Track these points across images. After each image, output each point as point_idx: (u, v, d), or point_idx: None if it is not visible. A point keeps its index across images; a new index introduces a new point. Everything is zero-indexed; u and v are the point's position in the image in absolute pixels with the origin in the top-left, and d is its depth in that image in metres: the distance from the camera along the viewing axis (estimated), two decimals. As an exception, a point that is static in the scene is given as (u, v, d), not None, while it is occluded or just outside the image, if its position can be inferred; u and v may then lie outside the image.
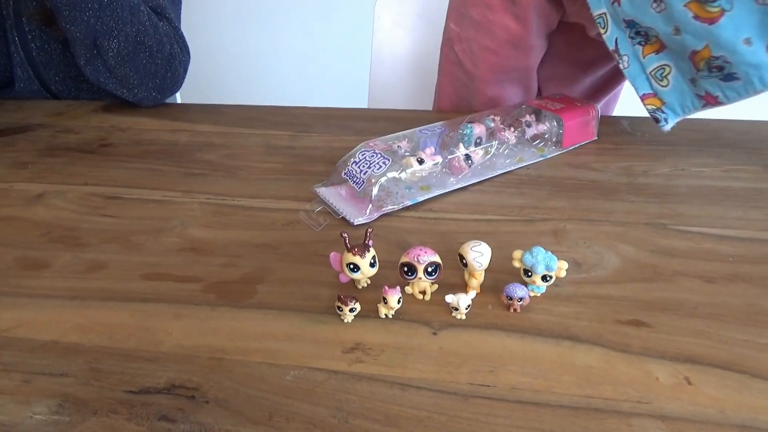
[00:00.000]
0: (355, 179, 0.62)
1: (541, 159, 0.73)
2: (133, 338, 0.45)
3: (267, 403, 0.39)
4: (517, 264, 0.48)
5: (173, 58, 0.95)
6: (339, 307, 0.46)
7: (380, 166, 0.61)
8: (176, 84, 0.98)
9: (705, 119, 0.83)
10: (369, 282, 0.51)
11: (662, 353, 0.42)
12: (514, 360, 0.42)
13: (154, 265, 0.54)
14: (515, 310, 0.47)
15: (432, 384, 0.40)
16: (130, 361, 0.43)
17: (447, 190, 0.65)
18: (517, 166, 0.71)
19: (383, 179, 0.61)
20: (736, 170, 0.69)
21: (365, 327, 0.46)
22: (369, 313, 0.47)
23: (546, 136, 0.74)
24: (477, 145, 0.69)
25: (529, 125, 0.74)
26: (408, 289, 0.49)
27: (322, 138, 0.81)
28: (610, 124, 0.82)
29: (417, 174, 0.64)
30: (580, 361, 0.42)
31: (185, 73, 1.00)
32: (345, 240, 0.48)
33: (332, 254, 0.50)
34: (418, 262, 0.47)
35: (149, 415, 0.38)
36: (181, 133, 0.86)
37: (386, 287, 0.46)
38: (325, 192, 0.65)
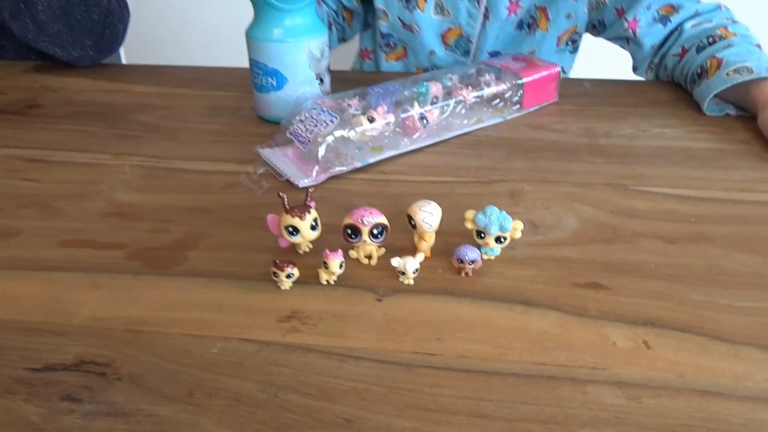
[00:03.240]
0: (300, 138, 0.57)
1: (501, 120, 0.69)
2: (42, 310, 0.40)
3: (188, 379, 0.35)
4: (469, 225, 0.45)
5: (111, 14, 0.88)
6: (275, 273, 0.42)
7: (327, 124, 0.57)
8: (115, 42, 0.91)
9: (665, 81, 0.81)
10: (311, 247, 0.47)
11: (620, 317, 0.39)
12: (464, 326, 0.39)
13: (73, 232, 0.49)
14: (467, 273, 0.44)
15: (373, 354, 0.37)
16: (35, 336, 0.38)
17: (400, 152, 0.61)
18: (475, 127, 0.67)
19: (330, 138, 0.56)
20: (698, 131, 0.66)
21: (304, 294, 0.42)
22: (309, 280, 0.43)
23: (506, 96, 0.70)
24: (433, 104, 0.65)
25: (488, 84, 0.70)
26: (353, 254, 0.46)
27: (271, 99, 0.76)
28: (571, 86, 0.79)
29: (368, 134, 0.59)
30: (534, 326, 0.39)
31: (125, 32, 0.93)
32: (283, 200, 0.44)
33: (270, 216, 0.45)
34: (363, 223, 0.43)
35: (51, 395, 0.34)
36: (117, 94, 0.80)
37: (327, 251, 0.42)
38: (269, 153, 0.60)
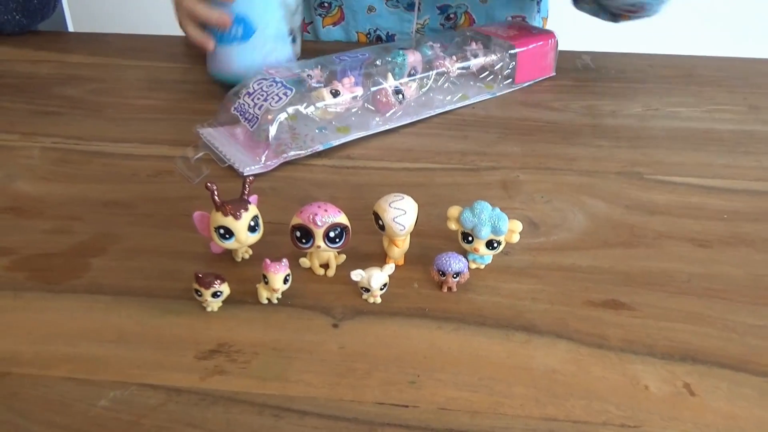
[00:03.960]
0: (247, 116, 0.47)
1: (490, 97, 0.59)
2: None
3: (57, 449, 0.25)
4: (453, 226, 0.35)
5: (39, -27, 0.76)
6: (197, 291, 0.32)
7: (280, 98, 0.46)
8: (47, 6, 0.79)
9: (674, 55, 0.72)
10: (250, 253, 0.37)
11: (650, 348, 0.30)
12: (446, 364, 0.29)
13: (-53, 233, 0.38)
14: (450, 289, 0.34)
15: (323, 406, 0.27)
16: None
17: (370, 132, 0.51)
18: (460, 105, 0.57)
19: (283, 115, 0.46)
20: (718, 110, 0.57)
21: (236, 318, 0.32)
22: (245, 297, 0.33)
23: (496, 69, 0.60)
24: (410, 76, 0.55)
25: (475, 55, 0.60)
26: (304, 262, 0.36)
27: (223, 71, 0.65)
28: (568, 59, 0.69)
29: (331, 110, 0.49)
30: (539, 363, 0.29)
31: (59, -6, 0.81)
32: (212, 193, 0.33)
33: (196, 213, 0.35)
34: (316, 224, 0.33)
35: None
36: (44, 64, 0.68)
37: (267, 261, 0.32)
38: (212, 134, 0.50)
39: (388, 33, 0.76)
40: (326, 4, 0.77)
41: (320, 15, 0.78)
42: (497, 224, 0.34)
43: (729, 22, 1.45)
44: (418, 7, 0.74)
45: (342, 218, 0.34)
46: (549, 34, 0.64)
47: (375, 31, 0.76)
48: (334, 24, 0.78)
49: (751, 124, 0.55)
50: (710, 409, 0.27)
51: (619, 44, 0.78)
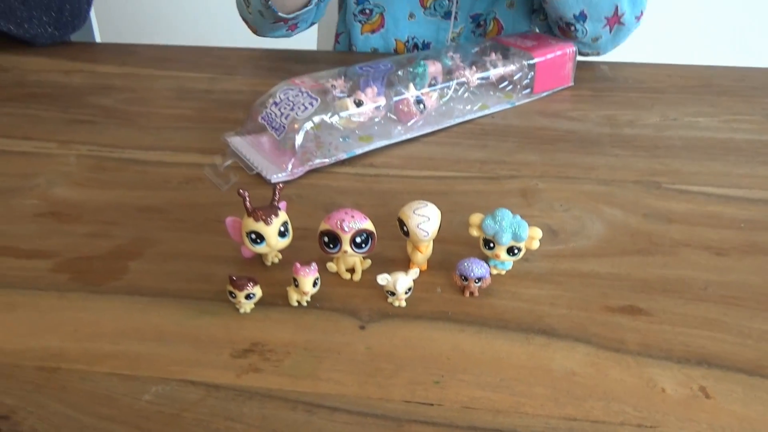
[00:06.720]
0: (274, 124, 0.49)
1: (509, 106, 0.60)
2: (-66, 340, 0.32)
3: (106, 439, 0.27)
4: (475, 232, 0.36)
5: (71, -15, 0.78)
6: (231, 293, 0.33)
7: (306, 108, 0.48)
8: (78, 18, 0.82)
9: (692, 65, 0.72)
10: (280, 257, 0.38)
11: (668, 353, 0.31)
12: (469, 365, 0.30)
13: (-6, 236, 0.41)
14: (472, 293, 0.35)
15: (352, 403, 0.28)
16: None
17: (392, 141, 0.53)
18: (480, 114, 0.58)
19: (309, 124, 0.48)
20: (736, 120, 0.58)
21: (268, 320, 0.34)
22: (276, 300, 0.35)
23: (515, 79, 0.62)
24: (431, 86, 0.56)
25: (494, 65, 0.61)
26: (331, 267, 0.37)
27: (248, 81, 0.67)
28: (586, 69, 0.70)
29: (354, 119, 0.51)
30: (559, 365, 0.30)
31: (90, 5, 0.83)
32: (245, 200, 0.35)
33: (229, 219, 0.37)
34: (343, 229, 0.35)
35: None
36: (77, 74, 0.71)
37: (298, 265, 0.34)
38: (239, 142, 0.52)
39: (424, 41, 0.78)
40: (368, 11, 0.80)
41: (360, 21, 0.80)
42: (518, 231, 0.35)
43: (747, 32, 1.45)
44: (455, 17, 0.76)
45: (368, 224, 0.35)
46: (567, 44, 0.65)
47: (413, 39, 0.79)
48: (373, 31, 0.81)
49: (769, 133, 0.55)
50: (725, 411, 0.28)
51: (638, 54, 0.79)
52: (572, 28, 0.66)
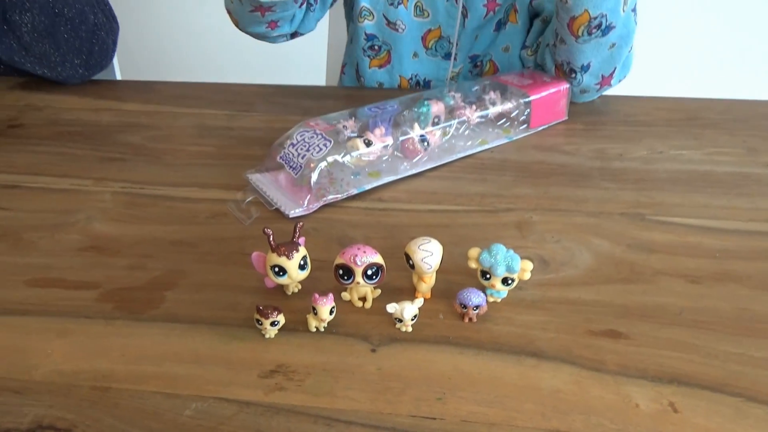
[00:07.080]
0: (291, 164, 0.54)
1: (507, 141, 0.65)
2: (1, 363, 0.36)
3: (155, 449, 0.31)
4: (473, 264, 0.41)
5: (99, 29, 0.84)
6: (258, 321, 0.38)
7: (320, 149, 0.53)
8: (106, 58, 0.88)
9: (681, 98, 0.77)
10: (299, 287, 0.43)
11: (642, 372, 0.35)
12: (467, 383, 0.35)
13: (44, 269, 0.45)
14: (470, 319, 0.40)
15: (366, 417, 0.33)
16: (-10, 395, 0.34)
17: (399, 177, 0.57)
18: (479, 149, 0.63)
19: (323, 164, 0.52)
20: (718, 153, 0.62)
21: (290, 344, 0.38)
22: (297, 326, 0.39)
23: (512, 116, 0.66)
24: (435, 125, 0.61)
25: (493, 103, 0.66)
26: (345, 296, 0.42)
27: (264, 118, 0.73)
28: (580, 103, 0.75)
29: (364, 158, 0.55)
30: (546, 383, 0.35)
31: (115, 45, 0.89)
32: (269, 237, 0.40)
33: (254, 254, 0.42)
34: (356, 263, 0.39)
35: (-1, 470, 0.30)
36: (105, 112, 0.76)
37: (316, 295, 0.38)
38: (259, 179, 0.56)
39: (425, 78, 0.84)
40: (377, 47, 0.85)
41: (368, 56, 0.86)
42: (511, 264, 0.39)
43: (737, 63, 1.49)
44: (455, 57, 0.82)
45: (378, 258, 0.40)
46: (561, 81, 0.70)
47: (416, 76, 0.84)
48: (380, 66, 0.86)
49: (749, 166, 0.60)
50: (690, 424, 0.32)
51: (630, 87, 0.84)
52: (573, 75, 0.69)
